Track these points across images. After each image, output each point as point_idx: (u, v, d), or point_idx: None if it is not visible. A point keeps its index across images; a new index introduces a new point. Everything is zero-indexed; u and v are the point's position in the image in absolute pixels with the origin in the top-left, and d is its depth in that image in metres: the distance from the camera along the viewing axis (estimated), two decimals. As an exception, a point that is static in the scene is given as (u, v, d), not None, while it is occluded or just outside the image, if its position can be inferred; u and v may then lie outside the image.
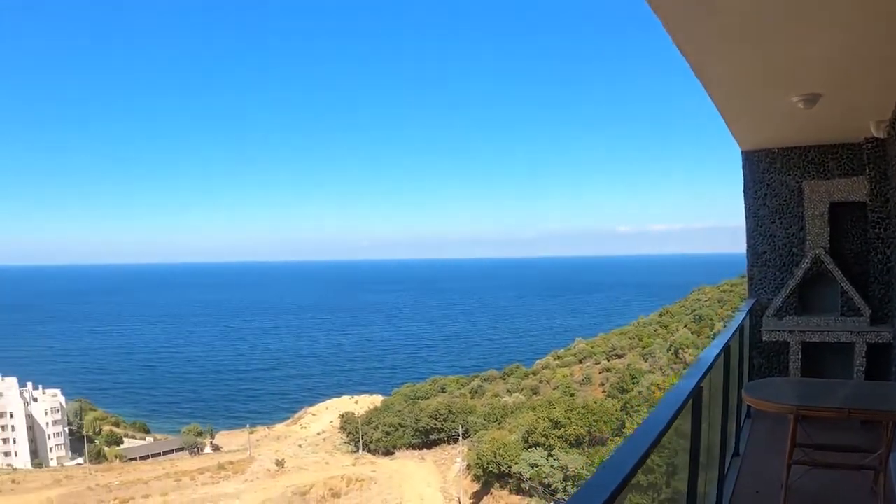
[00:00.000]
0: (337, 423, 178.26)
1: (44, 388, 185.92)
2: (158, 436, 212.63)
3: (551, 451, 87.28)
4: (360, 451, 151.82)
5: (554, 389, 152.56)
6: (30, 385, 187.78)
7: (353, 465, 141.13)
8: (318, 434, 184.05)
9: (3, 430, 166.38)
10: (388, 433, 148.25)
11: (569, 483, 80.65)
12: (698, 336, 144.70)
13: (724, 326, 18.30)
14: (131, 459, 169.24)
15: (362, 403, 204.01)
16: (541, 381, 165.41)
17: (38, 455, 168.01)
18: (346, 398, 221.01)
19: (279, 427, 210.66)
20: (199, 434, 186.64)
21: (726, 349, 10.57)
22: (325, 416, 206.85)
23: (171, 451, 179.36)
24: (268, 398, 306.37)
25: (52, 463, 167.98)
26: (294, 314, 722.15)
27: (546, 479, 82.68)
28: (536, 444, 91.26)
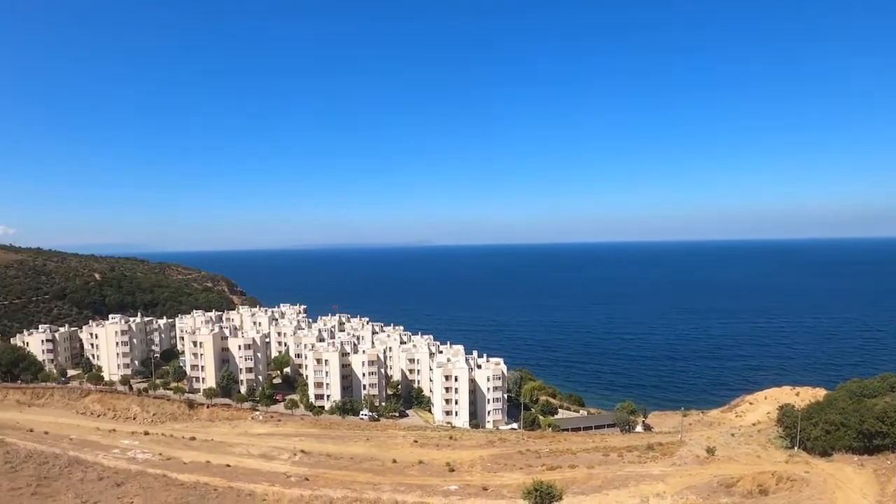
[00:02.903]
0: (774, 414, 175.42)
1: (488, 357, 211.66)
2: (592, 409, 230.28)
3: None
4: (796, 447, 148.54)
5: None
6: (475, 353, 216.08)
7: (786, 462, 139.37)
8: (753, 424, 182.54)
9: (447, 392, 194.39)
10: (827, 432, 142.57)
11: None
12: None
13: None
14: (563, 430, 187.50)
15: (803, 396, 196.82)
16: None
17: (475, 416, 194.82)
18: (786, 389, 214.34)
19: (713, 413, 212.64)
20: (632, 412, 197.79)
21: None
22: (762, 406, 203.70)
23: (602, 426, 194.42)
24: (704, 382, 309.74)
25: (488, 425, 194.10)
26: (735, 297, 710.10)
27: None
28: None
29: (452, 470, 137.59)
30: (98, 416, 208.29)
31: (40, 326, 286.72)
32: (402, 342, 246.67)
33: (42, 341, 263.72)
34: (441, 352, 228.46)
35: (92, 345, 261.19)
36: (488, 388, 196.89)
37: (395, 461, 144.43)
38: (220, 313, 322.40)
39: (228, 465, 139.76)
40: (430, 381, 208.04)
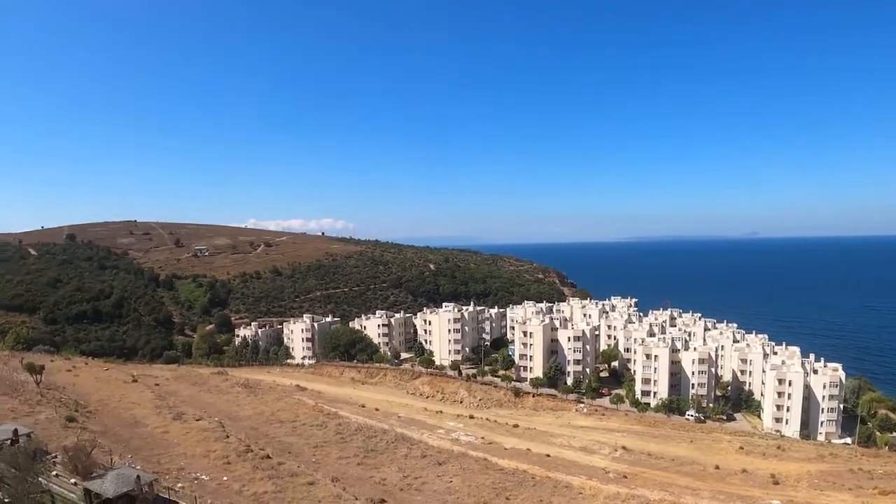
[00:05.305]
0: None
1: (825, 362, 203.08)
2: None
3: None
4: None
5: None
6: (812, 357, 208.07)
7: None
8: None
9: (779, 397, 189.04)
10: None
11: None
12: None
13: None
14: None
15: None
16: None
17: (806, 426, 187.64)
18: None
19: None
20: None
21: None
22: None
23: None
24: None
25: (820, 437, 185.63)
26: None
27: None
28: None
29: (777, 483, 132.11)
30: (426, 397, 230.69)
31: (377, 312, 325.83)
32: (735, 341, 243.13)
33: (378, 325, 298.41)
34: (776, 353, 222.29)
35: (425, 331, 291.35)
36: (823, 397, 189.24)
37: (717, 467, 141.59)
38: (550, 304, 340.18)
39: (548, 455, 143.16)
40: (762, 384, 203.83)
